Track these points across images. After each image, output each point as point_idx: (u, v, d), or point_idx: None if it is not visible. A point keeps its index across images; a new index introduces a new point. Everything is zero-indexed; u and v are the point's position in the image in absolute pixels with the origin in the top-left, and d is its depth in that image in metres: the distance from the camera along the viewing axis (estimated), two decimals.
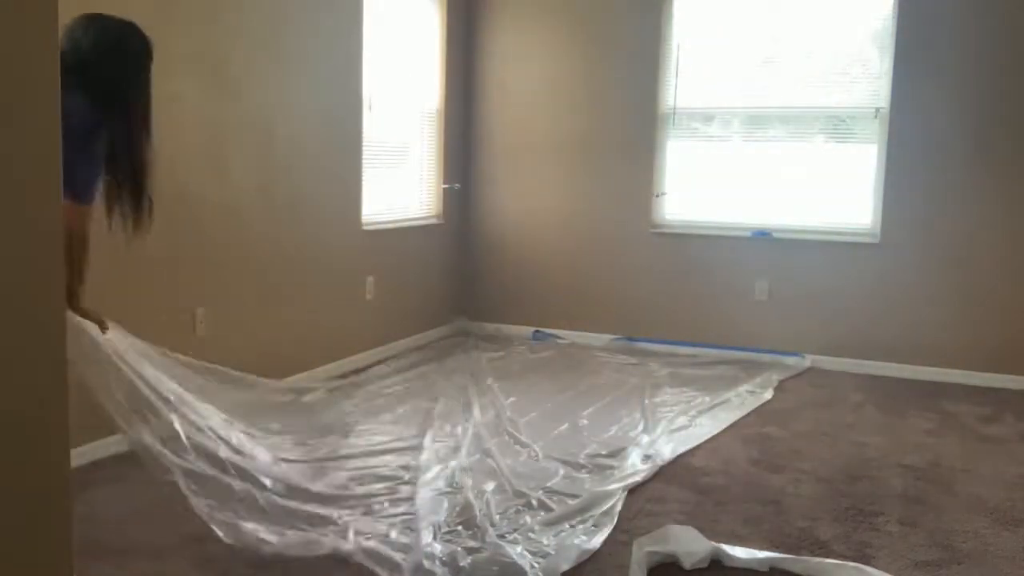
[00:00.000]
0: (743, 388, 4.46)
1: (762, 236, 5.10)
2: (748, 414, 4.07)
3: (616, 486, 3.03)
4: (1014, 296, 4.66)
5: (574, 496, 2.95)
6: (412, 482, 3.06)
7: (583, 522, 2.77)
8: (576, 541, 2.61)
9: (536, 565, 2.44)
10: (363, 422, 3.76)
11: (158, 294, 3.47)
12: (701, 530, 2.74)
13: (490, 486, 3.04)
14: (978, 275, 4.71)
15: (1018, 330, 4.66)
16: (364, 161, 4.69)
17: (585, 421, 3.85)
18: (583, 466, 3.27)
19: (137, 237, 2.27)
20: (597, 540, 2.63)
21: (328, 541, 2.55)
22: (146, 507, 2.77)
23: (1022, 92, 4.56)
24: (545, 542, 2.60)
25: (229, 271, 3.84)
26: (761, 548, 2.63)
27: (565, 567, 2.46)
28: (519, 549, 2.54)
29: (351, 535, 2.59)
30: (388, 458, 3.30)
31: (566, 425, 3.78)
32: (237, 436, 2.72)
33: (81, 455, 3.11)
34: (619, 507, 2.88)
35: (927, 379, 4.75)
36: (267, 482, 2.75)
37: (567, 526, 2.74)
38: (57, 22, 0.79)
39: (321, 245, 4.40)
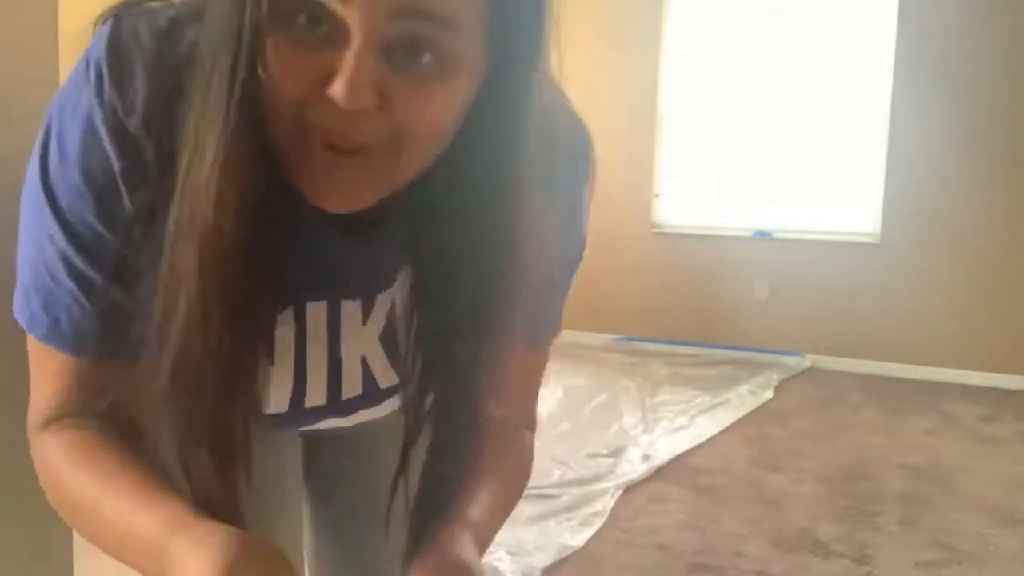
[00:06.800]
0: (743, 388, 4.46)
1: (762, 236, 5.10)
2: (748, 414, 4.07)
3: (608, 485, 3.03)
4: (1014, 296, 4.66)
5: (566, 493, 2.95)
6: None
7: (570, 520, 2.76)
8: (559, 539, 2.61)
9: (516, 564, 2.44)
10: None
11: None
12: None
13: None
14: (978, 275, 4.71)
15: (1018, 330, 4.66)
16: None
17: (585, 420, 3.85)
18: (580, 464, 3.27)
19: None
20: (582, 537, 2.63)
21: None
22: None
23: (1022, 92, 4.56)
24: (528, 539, 2.60)
25: None
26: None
27: (544, 563, 2.45)
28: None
29: None
30: None
31: (566, 424, 3.78)
32: None
33: None
34: (611, 506, 2.88)
35: (927, 379, 4.75)
36: None
37: (552, 523, 2.73)
38: (57, 22, 0.79)
39: None
